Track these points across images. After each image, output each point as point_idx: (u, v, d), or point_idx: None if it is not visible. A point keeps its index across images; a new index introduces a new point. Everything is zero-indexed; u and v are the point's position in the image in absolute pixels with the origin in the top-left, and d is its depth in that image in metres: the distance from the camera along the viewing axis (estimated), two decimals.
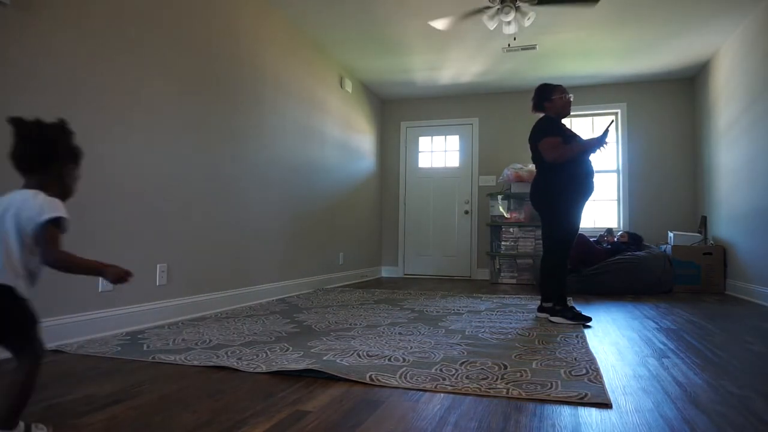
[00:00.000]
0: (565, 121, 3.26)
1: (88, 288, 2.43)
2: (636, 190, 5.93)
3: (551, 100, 3.18)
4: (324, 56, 5.09)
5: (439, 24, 3.89)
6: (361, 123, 6.13)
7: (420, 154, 6.84)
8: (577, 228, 3.12)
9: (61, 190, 1.26)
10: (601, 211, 6.12)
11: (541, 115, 3.24)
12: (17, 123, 1.21)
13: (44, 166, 1.23)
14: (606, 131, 3.04)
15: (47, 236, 1.14)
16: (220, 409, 1.46)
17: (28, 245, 1.15)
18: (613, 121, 3.10)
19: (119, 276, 1.20)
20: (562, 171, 3.05)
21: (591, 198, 3.17)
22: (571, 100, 3.22)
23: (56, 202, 1.19)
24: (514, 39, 4.52)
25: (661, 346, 2.39)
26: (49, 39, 2.26)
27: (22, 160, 1.22)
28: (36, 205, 1.15)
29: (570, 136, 3.11)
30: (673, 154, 5.86)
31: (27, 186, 1.22)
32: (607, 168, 6.07)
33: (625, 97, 6.02)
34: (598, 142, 3.03)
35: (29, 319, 1.17)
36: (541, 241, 5.41)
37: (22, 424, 1.17)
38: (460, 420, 1.39)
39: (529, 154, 3.27)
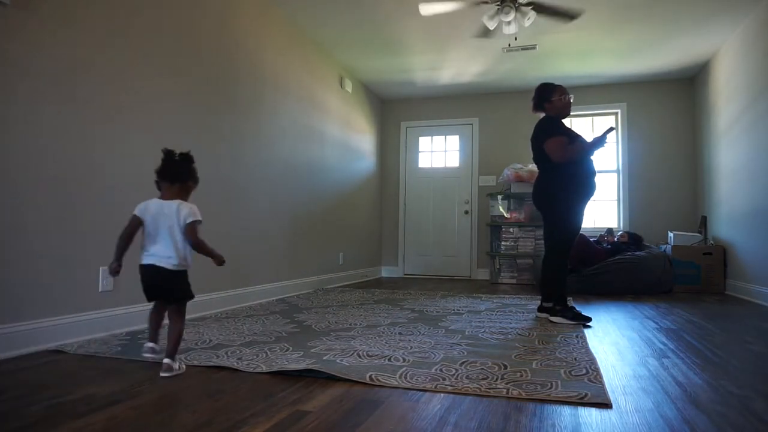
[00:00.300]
0: (565, 121, 3.26)
1: (88, 288, 2.43)
2: (636, 190, 5.93)
3: (551, 102, 3.17)
4: (324, 56, 5.09)
5: (427, 9, 3.75)
6: (361, 123, 6.13)
7: (420, 154, 6.84)
8: (579, 228, 3.12)
9: (185, 199, 1.94)
10: (601, 211, 6.12)
11: (542, 115, 3.24)
12: (168, 152, 1.93)
13: (181, 181, 1.93)
14: (605, 135, 3.04)
15: (192, 229, 1.88)
16: (220, 409, 1.46)
17: (184, 236, 1.88)
18: (613, 128, 3.12)
19: (220, 262, 1.92)
20: (565, 171, 3.05)
21: (592, 198, 3.17)
22: (571, 100, 3.22)
23: (195, 208, 1.90)
24: (515, 39, 4.52)
25: (661, 346, 2.39)
26: (49, 39, 2.26)
27: (169, 175, 1.91)
28: (186, 210, 1.88)
29: (574, 136, 3.11)
30: (673, 154, 5.86)
31: (165, 194, 1.91)
32: (607, 168, 6.08)
33: (625, 97, 6.02)
34: (599, 142, 3.03)
35: (188, 292, 1.93)
36: (541, 241, 5.43)
37: (182, 358, 1.97)
38: (460, 420, 1.39)
39: (530, 153, 3.27)
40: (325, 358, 2.02)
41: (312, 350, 2.16)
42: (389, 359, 2.01)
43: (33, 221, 2.18)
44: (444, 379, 1.74)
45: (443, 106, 6.70)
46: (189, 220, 1.86)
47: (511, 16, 3.61)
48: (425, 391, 1.64)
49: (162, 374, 1.78)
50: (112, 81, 2.59)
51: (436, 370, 1.87)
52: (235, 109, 3.61)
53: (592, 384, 1.70)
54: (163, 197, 1.90)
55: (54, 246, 2.26)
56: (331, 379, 1.76)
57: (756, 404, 1.54)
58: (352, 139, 5.80)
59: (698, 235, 5.21)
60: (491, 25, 3.75)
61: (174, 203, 1.87)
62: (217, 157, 3.40)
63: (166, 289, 1.89)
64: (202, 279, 3.23)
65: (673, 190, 5.84)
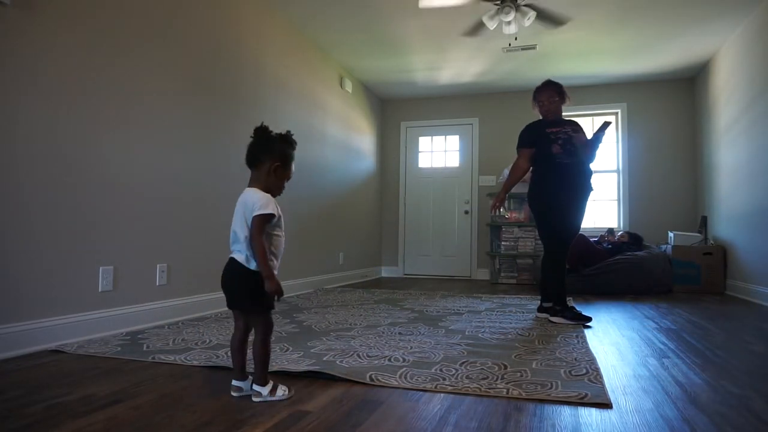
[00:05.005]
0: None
1: (88, 288, 2.43)
2: (636, 190, 5.93)
3: (565, 101, 3.25)
4: (324, 56, 5.09)
5: (424, 2, 3.74)
6: (361, 123, 6.13)
7: (420, 154, 6.84)
8: (569, 227, 3.09)
9: (266, 186, 1.59)
10: (601, 211, 6.12)
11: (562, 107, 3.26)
12: (255, 130, 1.64)
13: (253, 164, 1.63)
14: (602, 131, 3.14)
15: (254, 225, 1.50)
16: (220, 409, 1.46)
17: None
18: (609, 122, 3.15)
19: (274, 290, 1.49)
20: (536, 172, 3.18)
21: (588, 197, 3.16)
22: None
23: (267, 199, 1.53)
24: (515, 39, 4.52)
25: (661, 346, 2.39)
26: (49, 39, 2.26)
27: (246, 156, 1.64)
28: (255, 199, 1.53)
29: (547, 142, 3.12)
30: (673, 154, 5.86)
31: (250, 180, 1.63)
32: (607, 168, 6.08)
33: (625, 97, 6.02)
34: (597, 140, 3.13)
35: (259, 290, 1.50)
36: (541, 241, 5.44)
37: (271, 382, 1.55)
38: (460, 420, 1.39)
39: None
40: (325, 358, 2.02)
41: (312, 350, 2.16)
42: (389, 359, 2.01)
43: (33, 221, 2.18)
44: (444, 379, 1.74)
45: (443, 106, 6.70)
46: (255, 213, 1.51)
47: (511, 16, 3.62)
48: (425, 391, 1.64)
49: (253, 399, 1.52)
50: (113, 81, 2.59)
51: (436, 370, 1.87)
52: (236, 110, 3.61)
53: (592, 384, 1.70)
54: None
55: (54, 246, 2.26)
56: (331, 379, 1.76)
57: (756, 404, 1.54)
58: (352, 139, 5.80)
59: (698, 235, 5.21)
60: (491, 25, 3.75)
61: (250, 189, 1.61)
62: (218, 156, 3.40)
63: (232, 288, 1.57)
64: (202, 279, 3.23)
65: (673, 190, 5.84)
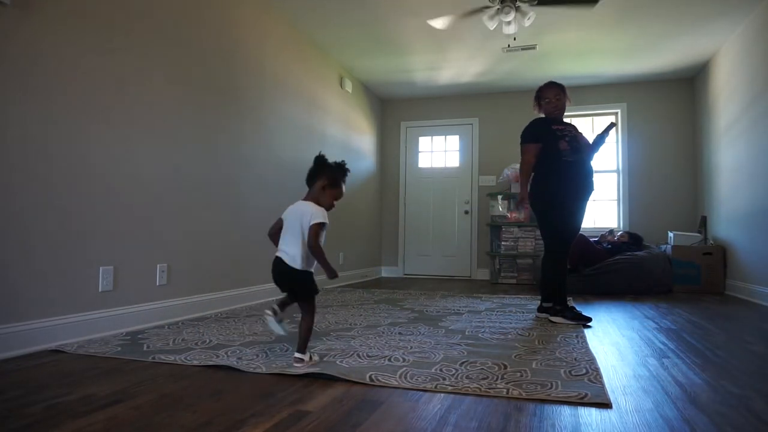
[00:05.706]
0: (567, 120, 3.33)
1: (88, 288, 2.43)
2: (636, 190, 5.93)
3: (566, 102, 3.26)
4: (324, 56, 5.09)
5: (438, 23, 3.88)
6: (361, 123, 6.13)
7: (420, 154, 6.84)
8: (568, 227, 3.09)
9: (316, 200, 2.01)
10: (601, 211, 6.12)
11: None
12: (315, 158, 2.05)
13: (310, 183, 2.05)
14: (606, 131, 3.16)
15: (312, 232, 1.93)
16: (220, 409, 1.46)
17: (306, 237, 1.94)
18: (614, 123, 3.19)
19: (333, 275, 1.96)
20: (538, 172, 3.16)
21: (591, 197, 3.18)
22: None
23: (323, 211, 1.97)
24: (514, 39, 4.52)
25: (661, 346, 2.39)
26: (49, 39, 2.26)
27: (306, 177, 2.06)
28: (312, 211, 1.95)
29: (554, 138, 3.11)
30: (673, 154, 5.86)
31: (306, 195, 2.04)
32: (607, 168, 6.08)
33: (625, 97, 6.02)
34: (601, 140, 3.15)
35: (312, 286, 1.98)
36: (541, 241, 5.44)
37: (308, 352, 1.95)
38: (460, 420, 1.39)
39: None
40: (325, 358, 2.02)
41: (312, 350, 2.16)
42: (389, 359, 2.02)
43: (33, 221, 2.18)
44: (444, 379, 1.74)
45: (443, 106, 6.70)
46: (312, 221, 1.93)
47: (511, 16, 3.61)
48: (425, 391, 1.64)
49: (294, 365, 1.88)
50: (113, 82, 2.59)
51: (436, 370, 1.87)
52: (235, 110, 3.61)
53: (592, 384, 1.70)
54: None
55: (54, 246, 2.26)
56: (331, 379, 1.76)
57: (756, 404, 1.54)
58: (352, 139, 5.80)
59: (698, 235, 5.21)
60: (491, 25, 3.74)
61: (304, 203, 1.99)
62: (217, 157, 3.40)
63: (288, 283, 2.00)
64: (202, 279, 3.23)
65: (673, 190, 5.84)
